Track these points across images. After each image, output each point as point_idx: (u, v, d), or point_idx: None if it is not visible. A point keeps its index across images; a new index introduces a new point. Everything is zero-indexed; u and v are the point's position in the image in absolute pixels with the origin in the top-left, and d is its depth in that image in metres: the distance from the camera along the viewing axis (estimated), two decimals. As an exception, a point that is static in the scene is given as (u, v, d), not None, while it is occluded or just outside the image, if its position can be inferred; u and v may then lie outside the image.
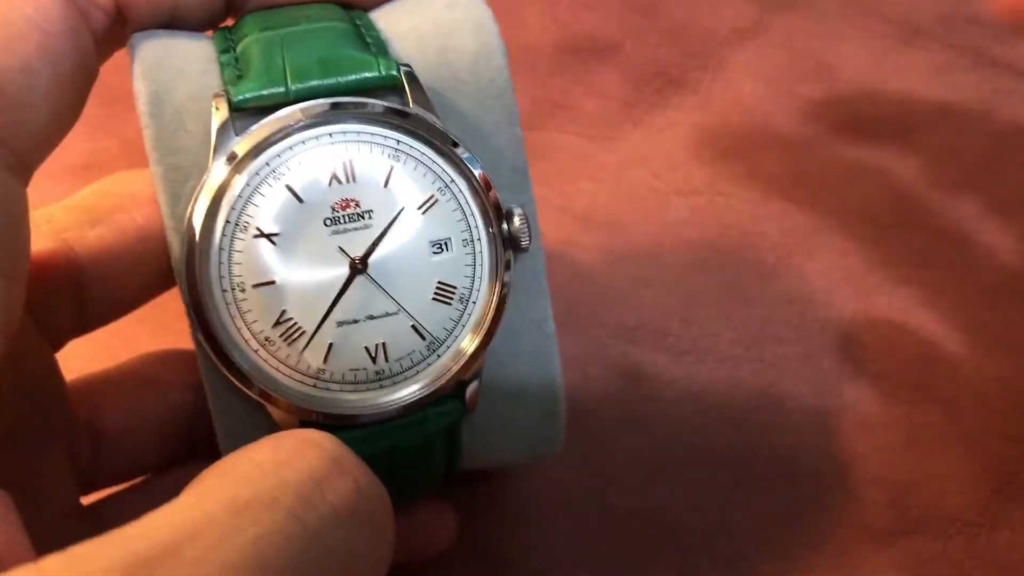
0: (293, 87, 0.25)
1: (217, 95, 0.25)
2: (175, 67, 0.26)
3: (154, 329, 0.37)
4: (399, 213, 0.26)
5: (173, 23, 0.27)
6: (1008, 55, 0.51)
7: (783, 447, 0.36)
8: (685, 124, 0.48)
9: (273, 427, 0.26)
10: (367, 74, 0.26)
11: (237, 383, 0.25)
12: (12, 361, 0.25)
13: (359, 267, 0.25)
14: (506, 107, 0.28)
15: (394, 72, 0.26)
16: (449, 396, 0.27)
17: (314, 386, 0.26)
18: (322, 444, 0.21)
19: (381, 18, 0.28)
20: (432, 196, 0.26)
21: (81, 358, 0.31)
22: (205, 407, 0.27)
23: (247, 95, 0.25)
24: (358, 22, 0.27)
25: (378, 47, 0.27)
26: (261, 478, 0.20)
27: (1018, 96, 0.49)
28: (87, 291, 0.30)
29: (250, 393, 0.25)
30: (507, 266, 0.27)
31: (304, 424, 0.26)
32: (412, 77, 0.26)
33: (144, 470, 0.31)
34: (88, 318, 0.30)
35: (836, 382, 0.38)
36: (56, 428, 0.28)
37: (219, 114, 0.25)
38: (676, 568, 0.33)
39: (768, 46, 0.51)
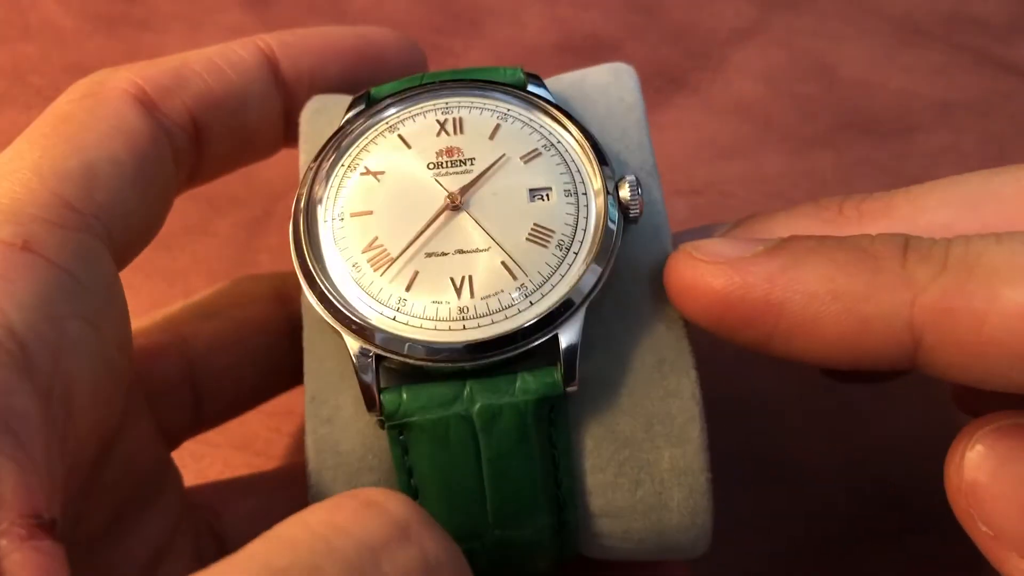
0: (427, 80, 0.28)
1: (357, 95, 0.29)
2: (338, 98, 0.30)
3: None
4: (500, 159, 0.27)
5: (243, 147, 0.30)
6: (1008, 55, 0.51)
7: (784, 449, 0.36)
8: (685, 124, 0.48)
9: (359, 394, 0.25)
10: (492, 77, 0.28)
11: (318, 306, 0.25)
12: (124, 455, 0.25)
13: (452, 199, 0.26)
14: (636, 120, 0.29)
15: (520, 75, 0.28)
16: (545, 365, 0.25)
17: (393, 319, 0.25)
18: (387, 507, 0.20)
19: None
20: (535, 149, 0.27)
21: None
22: None
23: (383, 88, 0.29)
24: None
25: (507, 68, 0.29)
26: (307, 544, 0.18)
27: (1018, 96, 0.49)
28: (203, 383, 0.30)
29: (328, 319, 0.25)
30: (616, 229, 0.26)
31: (383, 365, 0.25)
32: (537, 80, 0.29)
33: None
34: (205, 413, 0.31)
35: (837, 382, 0.38)
36: (172, 528, 0.28)
37: (356, 103, 0.28)
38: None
39: (768, 46, 0.51)
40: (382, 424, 0.25)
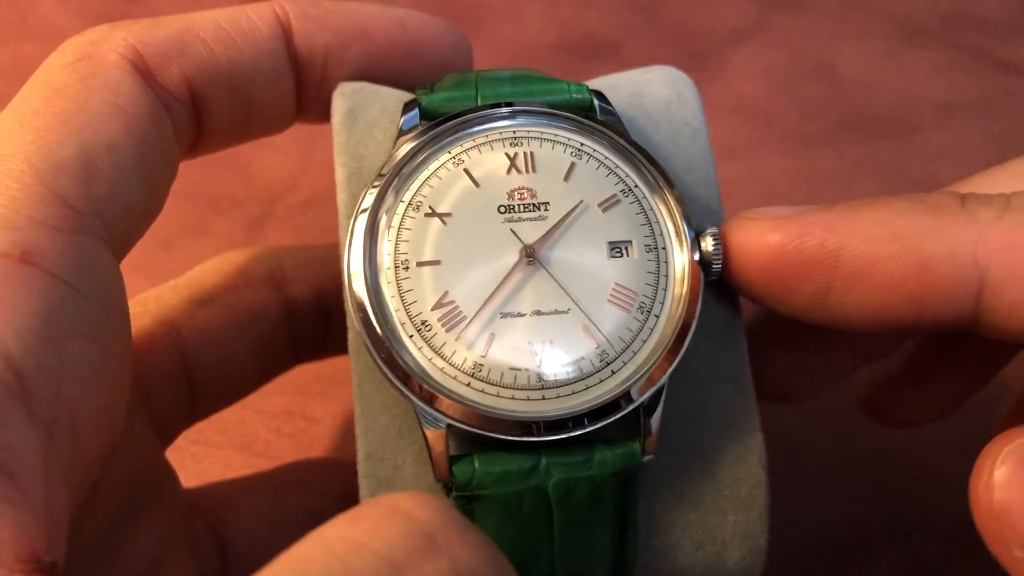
0: (482, 98, 0.26)
1: (407, 102, 0.26)
2: (373, 92, 0.27)
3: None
4: (576, 206, 0.25)
5: (249, 121, 0.27)
6: (1008, 55, 0.51)
7: (782, 448, 0.36)
8: (685, 124, 0.48)
9: (420, 453, 0.24)
10: (556, 96, 0.26)
11: (384, 368, 0.23)
12: (120, 462, 0.24)
13: (529, 253, 0.24)
14: (701, 149, 0.27)
15: (584, 94, 0.26)
16: (624, 438, 0.24)
17: (468, 385, 0.23)
18: (413, 514, 0.18)
19: None
20: (614, 195, 0.25)
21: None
22: None
23: (435, 99, 0.26)
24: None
25: (571, 84, 0.27)
26: (321, 566, 0.16)
27: (1018, 96, 0.49)
28: (197, 375, 0.29)
29: (395, 382, 0.23)
30: (698, 285, 0.24)
31: (453, 433, 0.23)
32: (602, 98, 0.26)
33: None
34: (199, 405, 0.29)
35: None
36: (169, 534, 0.26)
37: (406, 114, 0.26)
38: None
39: (768, 46, 0.51)
40: (448, 491, 0.23)
